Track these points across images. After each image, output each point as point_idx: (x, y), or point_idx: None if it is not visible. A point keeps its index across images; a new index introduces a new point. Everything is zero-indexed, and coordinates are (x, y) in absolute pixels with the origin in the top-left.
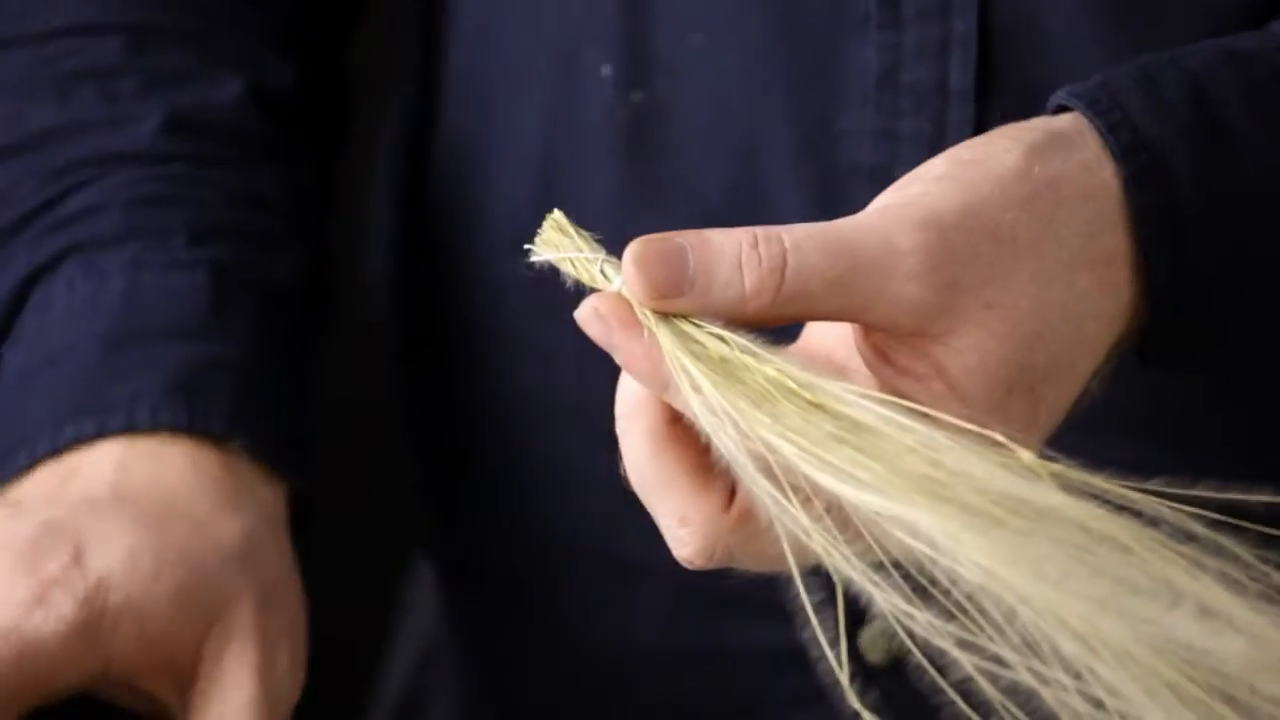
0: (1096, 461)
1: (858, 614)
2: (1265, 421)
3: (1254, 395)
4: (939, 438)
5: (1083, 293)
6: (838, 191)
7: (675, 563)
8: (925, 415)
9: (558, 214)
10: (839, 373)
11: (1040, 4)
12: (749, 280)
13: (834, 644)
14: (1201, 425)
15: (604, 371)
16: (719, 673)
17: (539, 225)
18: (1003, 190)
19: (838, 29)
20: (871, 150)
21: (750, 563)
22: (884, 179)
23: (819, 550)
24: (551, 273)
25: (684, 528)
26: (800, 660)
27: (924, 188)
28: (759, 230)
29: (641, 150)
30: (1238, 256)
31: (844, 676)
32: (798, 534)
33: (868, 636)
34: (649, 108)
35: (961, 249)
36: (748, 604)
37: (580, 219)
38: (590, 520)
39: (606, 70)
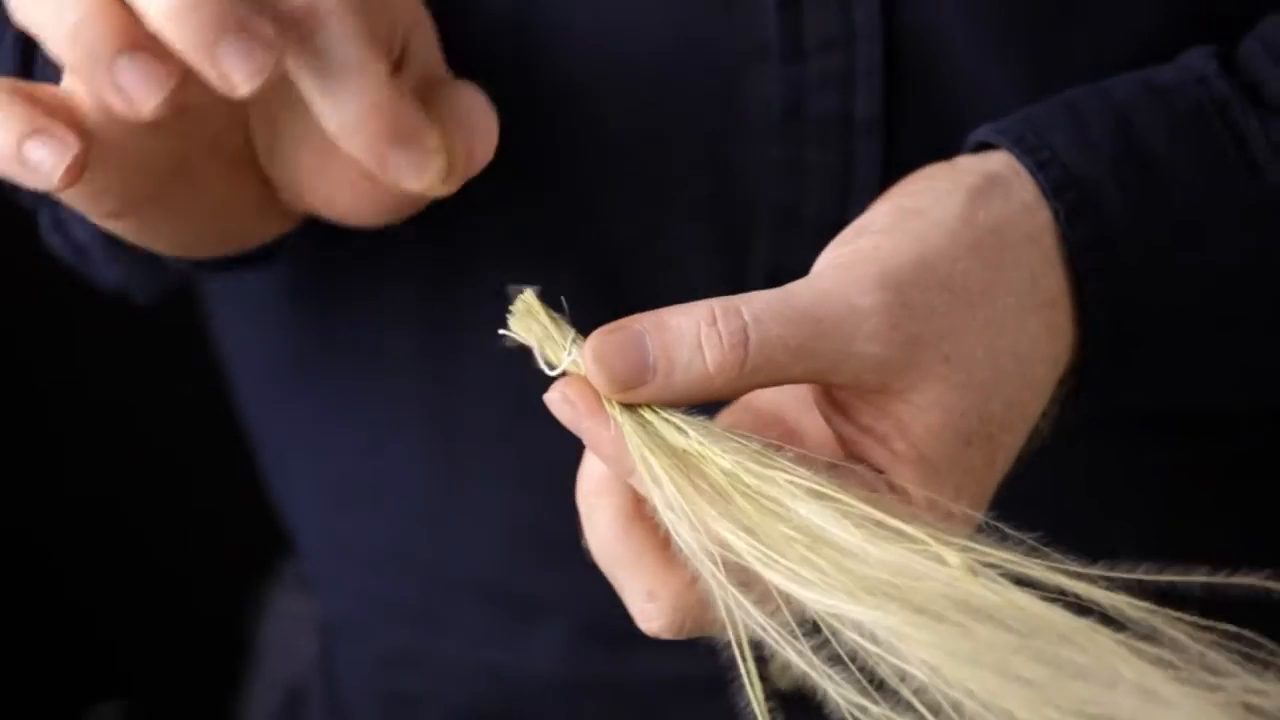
0: (1055, 530)
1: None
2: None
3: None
4: (882, 540)
5: (1032, 336)
6: (739, 227)
7: (577, 598)
8: (873, 505)
9: (528, 294)
10: (790, 435)
11: (944, 34)
12: (711, 359)
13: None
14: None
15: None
16: (619, 701)
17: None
18: (951, 239)
19: (738, 61)
20: (775, 185)
21: (718, 630)
22: (790, 213)
23: (774, 644)
24: None
25: (652, 603)
26: (701, 688)
27: (873, 241)
28: (716, 306)
29: (541, 187)
30: (1170, 288)
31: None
32: (753, 629)
33: (776, 667)
34: (547, 144)
35: (919, 304)
36: (647, 636)
37: (477, 264)
38: (490, 557)
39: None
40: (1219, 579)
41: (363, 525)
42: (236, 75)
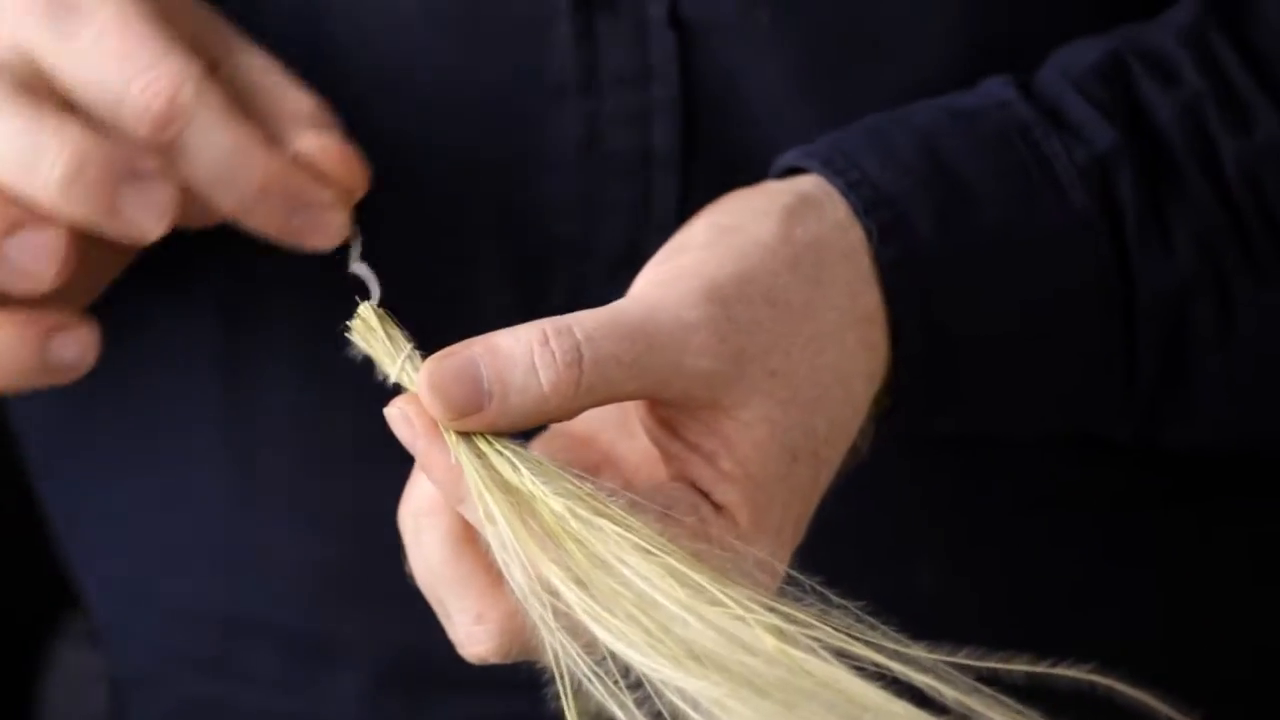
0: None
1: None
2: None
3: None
4: (708, 603)
5: (851, 352)
6: (537, 260)
7: (375, 643)
8: (701, 566)
9: (365, 307)
10: (606, 460)
11: (739, 71)
12: (546, 380)
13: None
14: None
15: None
16: None
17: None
18: (771, 254)
19: (535, 97)
20: (573, 219)
21: (543, 656)
22: (585, 249)
23: (599, 695)
24: None
25: (480, 625)
26: None
27: (695, 257)
28: (548, 326)
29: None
30: (981, 309)
31: None
32: (579, 678)
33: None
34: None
35: (744, 318)
36: (450, 679)
37: (274, 301)
38: (288, 602)
39: None
40: (1041, 669)
41: (157, 575)
42: (146, 221)
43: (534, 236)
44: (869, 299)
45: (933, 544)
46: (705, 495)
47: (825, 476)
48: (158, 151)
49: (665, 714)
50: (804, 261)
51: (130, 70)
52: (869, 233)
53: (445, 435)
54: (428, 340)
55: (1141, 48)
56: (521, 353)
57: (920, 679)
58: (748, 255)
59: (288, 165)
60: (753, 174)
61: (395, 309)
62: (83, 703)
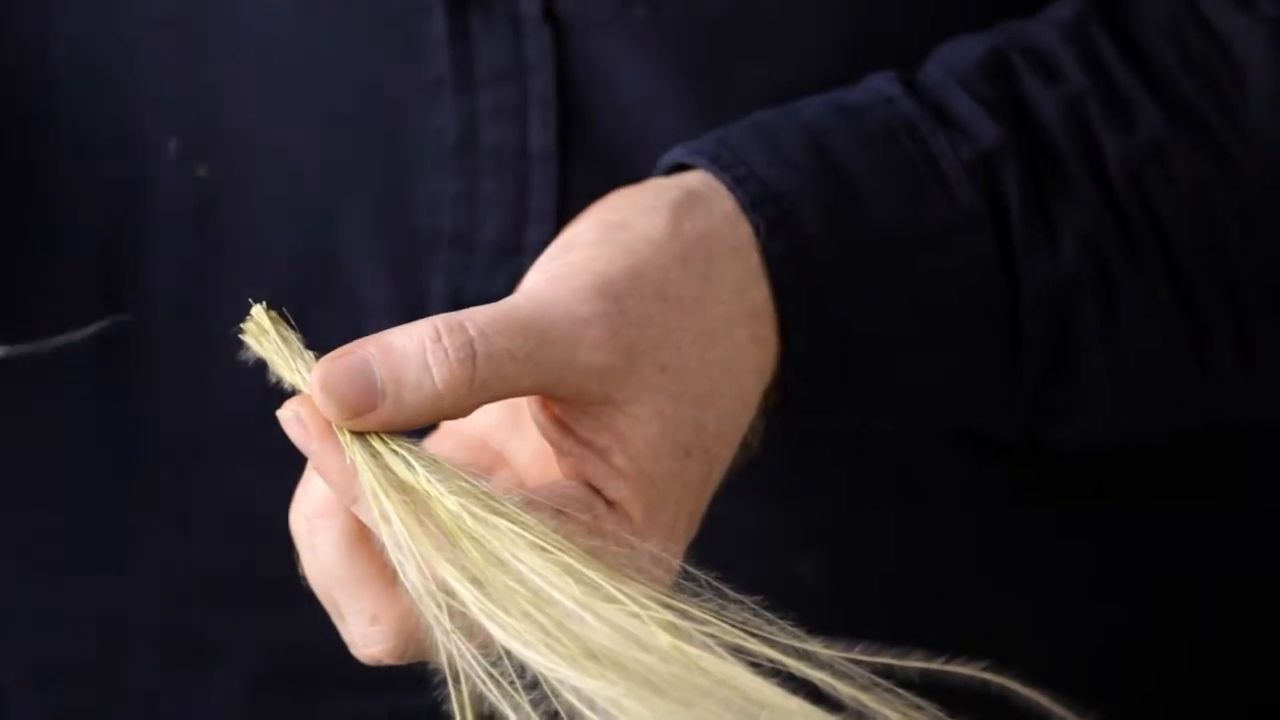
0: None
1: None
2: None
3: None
4: (604, 600)
5: (740, 347)
6: (415, 257)
7: (255, 641)
8: (596, 563)
9: (259, 309)
10: (496, 459)
11: (614, 65)
12: (439, 376)
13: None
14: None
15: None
16: None
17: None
18: (660, 250)
19: (410, 94)
20: (451, 215)
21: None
22: (464, 243)
23: (493, 698)
24: None
25: (375, 626)
26: None
27: (585, 254)
28: (439, 322)
29: (209, 223)
30: (867, 305)
31: None
32: (474, 681)
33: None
34: (215, 180)
35: (636, 313)
36: (328, 678)
37: (150, 294)
38: (166, 604)
39: (172, 144)
40: (936, 666)
41: (30, 583)
42: None
43: (412, 232)
44: (757, 294)
45: (812, 534)
46: (598, 492)
47: (717, 472)
48: None
49: (562, 714)
50: (693, 256)
51: None
52: (756, 228)
53: (339, 435)
54: (309, 340)
55: (1024, 44)
56: (414, 350)
57: (816, 675)
58: (637, 251)
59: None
60: (630, 167)
61: (274, 307)
62: None
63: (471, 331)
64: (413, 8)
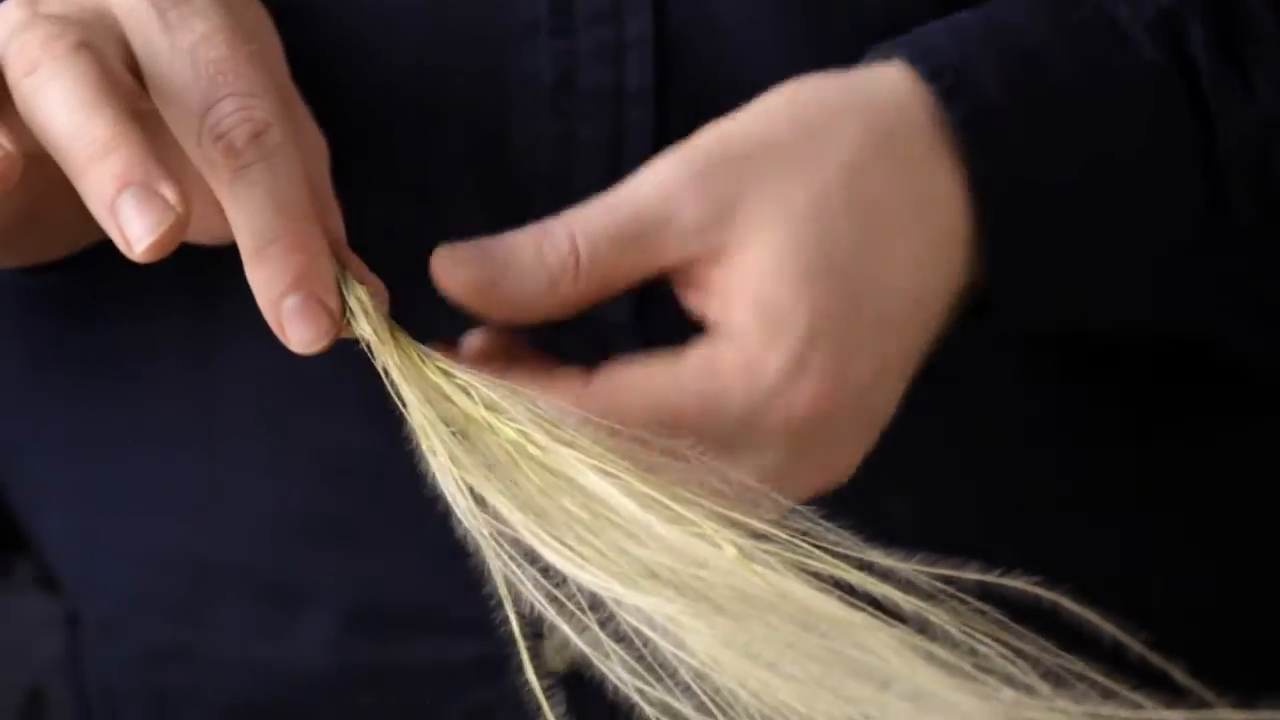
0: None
1: (536, 625)
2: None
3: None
4: (666, 521)
5: (905, 211)
6: (511, 199)
7: (342, 585)
8: (664, 485)
9: (361, 292)
10: None
11: (711, 8)
12: (551, 260)
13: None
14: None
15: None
16: (393, 690)
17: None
18: (768, 112)
19: (507, 35)
20: (548, 156)
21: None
22: (563, 186)
23: (553, 621)
24: None
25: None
26: (477, 673)
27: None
28: (543, 225)
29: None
30: (1055, 162)
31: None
32: (535, 605)
33: (551, 647)
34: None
35: (723, 161)
36: (418, 621)
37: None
38: (253, 546)
39: None
40: (991, 578)
41: (120, 521)
42: (135, 232)
43: (509, 174)
44: (938, 178)
45: (904, 477)
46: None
47: (869, 313)
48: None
49: (630, 634)
50: (804, 117)
51: (225, 88)
52: (935, 93)
53: (398, 368)
54: (403, 283)
55: None
56: (526, 239)
57: (877, 586)
58: (735, 117)
59: (324, 253)
60: (728, 108)
61: (368, 251)
62: (34, 647)
63: (573, 224)
64: None
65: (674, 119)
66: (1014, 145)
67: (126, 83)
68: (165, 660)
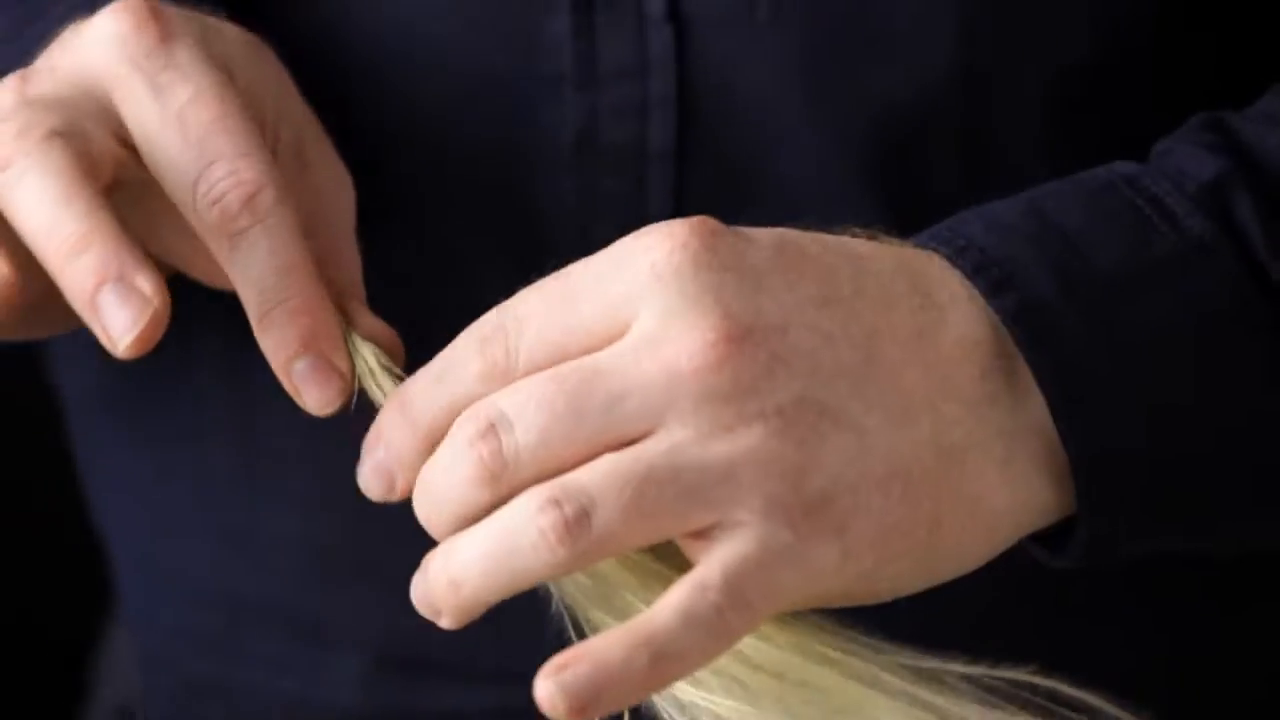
0: None
1: None
2: None
3: None
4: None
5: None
6: (535, 251)
7: (372, 626)
8: None
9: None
10: None
11: (737, 65)
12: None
13: None
14: None
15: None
16: None
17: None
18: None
19: (532, 89)
20: (570, 211)
21: None
22: (583, 238)
23: None
24: None
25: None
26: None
27: None
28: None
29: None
30: (1113, 349)
31: None
32: None
33: None
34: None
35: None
36: (442, 668)
37: None
38: (289, 582)
39: None
40: (980, 671)
41: (167, 552)
42: (116, 328)
43: (534, 229)
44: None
45: None
46: None
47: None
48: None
49: None
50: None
51: (214, 153)
52: (981, 290)
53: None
54: (419, 333)
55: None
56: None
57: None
58: None
59: (329, 312)
60: (749, 170)
61: (385, 299)
62: (127, 673)
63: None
64: (538, 5)
65: (694, 179)
66: (1066, 338)
67: (107, 162)
68: (204, 694)
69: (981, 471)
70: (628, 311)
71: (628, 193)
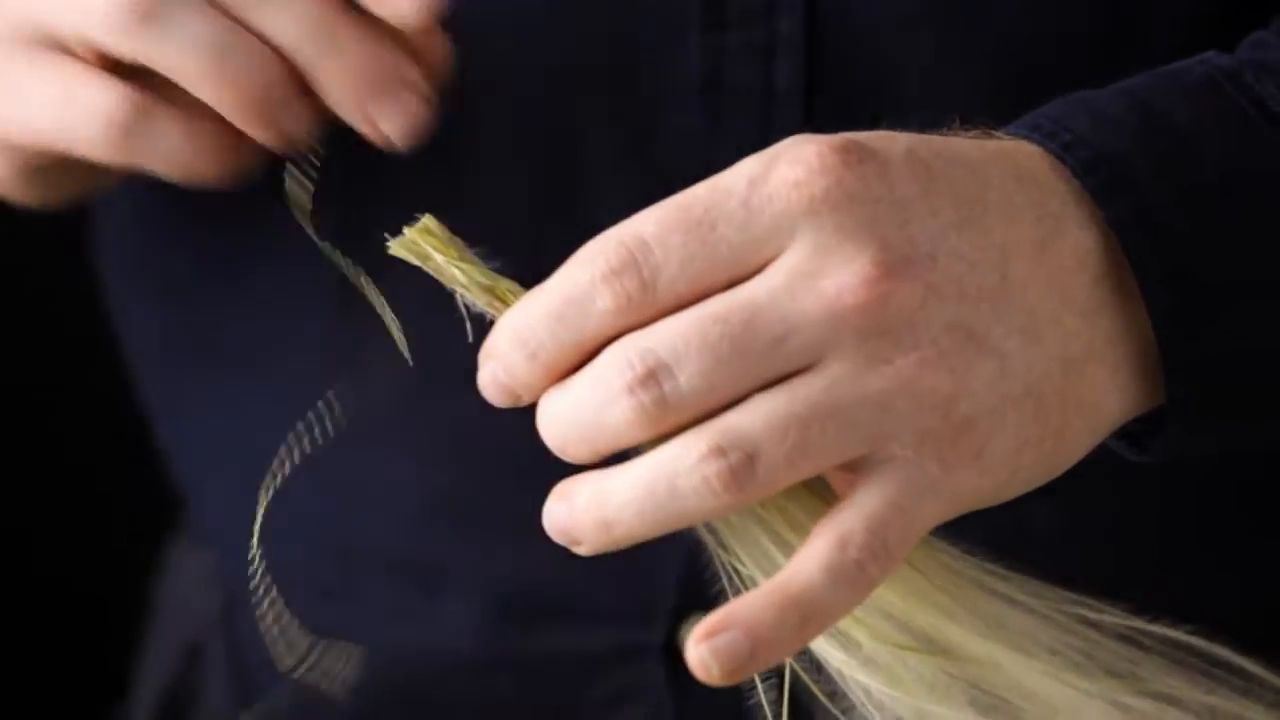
0: None
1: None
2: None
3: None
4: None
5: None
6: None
7: (486, 572)
8: None
9: (429, 219)
10: None
11: (862, 8)
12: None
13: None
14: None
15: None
16: (532, 675)
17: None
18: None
19: (660, 31)
20: (695, 152)
21: None
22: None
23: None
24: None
25: None
26: (615, 661)
27: None
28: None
29: (450, 160)
30: (1220, 254)
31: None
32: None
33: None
34: (458, 116)
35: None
36: (560, 609)
37: (394, 228)
38: (399, 529)
39: None
40: (1140, 624)
41: (278, 503)
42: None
43: (658, 172)
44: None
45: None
46: None
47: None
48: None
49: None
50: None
51: None
52: (1090, 191)
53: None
54: (547, 271)
55: None
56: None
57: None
58: None
59: (377, 36)
60: (876, 110)
61: (510, 237)
62: (195, 603)
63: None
64: None
65: (821, 119)
66: (1174, 235)
67: None
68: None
69: (1097, 379)
70: (776, 243)
71: (753, 134)
